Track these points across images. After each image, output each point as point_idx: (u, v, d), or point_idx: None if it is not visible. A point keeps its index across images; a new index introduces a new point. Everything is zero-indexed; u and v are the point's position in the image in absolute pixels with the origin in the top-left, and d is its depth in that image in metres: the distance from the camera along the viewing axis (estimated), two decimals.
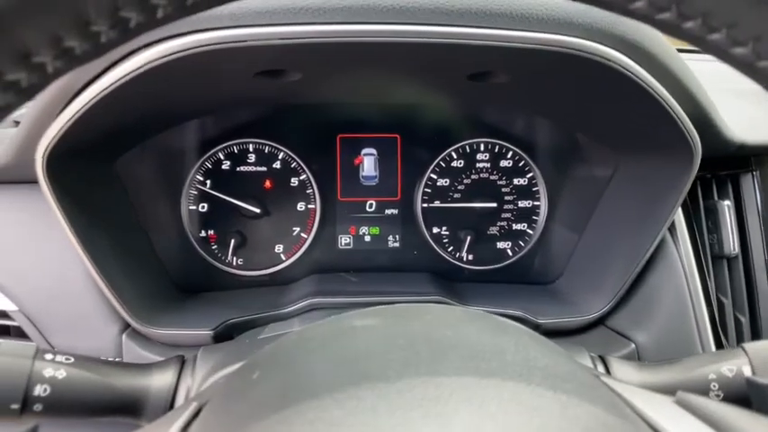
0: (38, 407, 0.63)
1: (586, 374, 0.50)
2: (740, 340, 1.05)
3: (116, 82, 0.73)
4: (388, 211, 1.33)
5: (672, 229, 1.01)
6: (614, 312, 1.05)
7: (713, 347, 0.97)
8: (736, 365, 0.71)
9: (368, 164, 1.32)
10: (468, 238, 1.31)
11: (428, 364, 0.43)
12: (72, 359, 0.67)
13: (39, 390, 0.63)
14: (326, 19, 0.68)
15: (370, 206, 1.33)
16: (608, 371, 0.77)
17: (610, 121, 1.01)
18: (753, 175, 1.08)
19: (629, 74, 0.76)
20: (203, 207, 1.26)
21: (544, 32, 0.71)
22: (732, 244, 1.05)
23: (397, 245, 1.33)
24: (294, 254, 1.29)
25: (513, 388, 0.41)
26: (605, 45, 0.74)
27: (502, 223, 1.33)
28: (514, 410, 0.38)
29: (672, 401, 0.50)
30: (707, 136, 0.88)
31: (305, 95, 1.03)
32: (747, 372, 0.70)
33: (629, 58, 0.76)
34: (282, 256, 1.29)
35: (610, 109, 0.94)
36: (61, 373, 0.65)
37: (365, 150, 1.31)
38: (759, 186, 1.07)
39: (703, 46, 0.35)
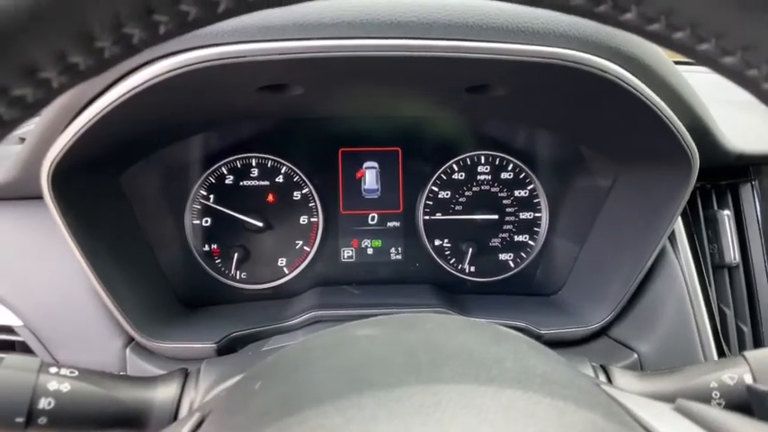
0: (42, 420, 0.63)
1: (585, 382, 0.50)
2: (742, 349, 1.05)
3: (120, 98, 0.74)
4: (390, 224, 1.34)
5: (672, 238, 1.01)
6: (616, 322, 1.05)
7: (715, 356, 0.97)
8: (737, 373, 0.71)
9: (369, 177, 1.32)
10: (470, 249, 1.32)
11: (428, 371, 0.44)
12: (76, 372, 0.67)
13: (43, 403, 0.63)
14: (326, 34, 0.69)
15: (372, 219, 1.33)
16: (609, 380, 0.77)
17: (608, 133, 1.01)
18: (752, 184, 1.08)
19: (626, 85, 0.77)
20: (207, 221, 1.27)
21: (540, 45, 0.72)
22: (732, 253, 1.05)
23: (399, 257, 1.34)
24: (297, 267, 1.30)
25: (510, 395, 0.41)
26: (601, 57, 0.75)
27: (503, 235, 1.33)
28: (512, 417, 0.39)
29: (671, 408, 0.50)
30: (705, 146, 0.89)
31: (307, 109, 1.04)
32: (748, 379, 0.70)
33: (626, 70, 0.77)
34: (285, 269, 1.30)
35: (608, 120, 0.95)
36: (65, 387, 0.65)
37: (367, 164, 1.32)
38: (758, 196, 1.08)
39: (693, 56, 0.36)
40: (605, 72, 0.75)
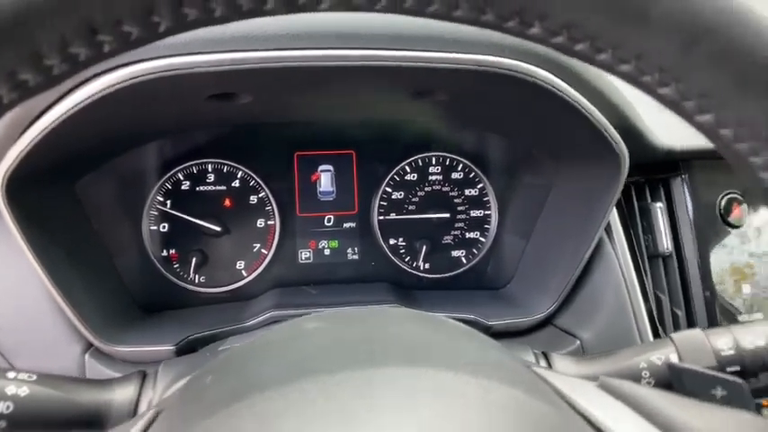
0: (1, 424, 0.64)
1: (515, 363, 0.55)
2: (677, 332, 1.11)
3: (70, 110, 0.76)
4: (346, 225, 1.37)
5: (609, 231, 1.08)
6: (560, 312, 1.11)
7: (651, 340, 1.04)
8: (664, 354, 0.76)
9: (325, 180, 1.36)
10: (424, 247, 1.36)
11: (366, 358, 0.48)
12: (34, 377, 0.69)
13: (1, 407, 0.64)
14: (271, 45, 0.72)
15: (329, 221, 1.37)
16: (550, 365, 0.82)
17: (544, 134, 1.07)
18: (682, 178, 1.16)
19: (554, 90, 0.82)
20: (164, 227, 1.29)
21: (471, 54, 0.77)
22: (666, 243, 1.12)
23: (356, 257, 1.37)
24: (255, 270, 1.32)
25: (440, 376, 0.45)
26: (530, 63, 0.80)
27: (455, 232, 1.38)
28: (439, 396, 0.43)
29: (595, 386, 0.55)
30: (634, 144, 0.95)
31: (258, 116, 1.07)
32: (674, 359, 0.76)
33: (554, 75, 0.82)
34: (244, 272, 1.32)
35: (542, 123, 1.00)
36: (24, 391, 0.66)
37: (322, 167, 1.35)
38: (688, 189, 1.15)
39: (594, 64, 0.41)
40: (533, 77, 0.80)
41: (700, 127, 0.41)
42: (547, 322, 1.12)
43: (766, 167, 0.40)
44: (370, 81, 0.83)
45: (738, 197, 1.17)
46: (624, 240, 1.07)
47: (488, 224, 1.39)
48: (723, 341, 0.74)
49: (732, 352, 0.72)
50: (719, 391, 0.63)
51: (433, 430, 0.38)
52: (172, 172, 1.28)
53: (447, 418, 0.40)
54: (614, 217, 1.08)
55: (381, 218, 1.37)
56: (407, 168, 1.36)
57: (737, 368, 0.72)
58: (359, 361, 0.47)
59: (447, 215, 1.37)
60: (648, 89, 0.41)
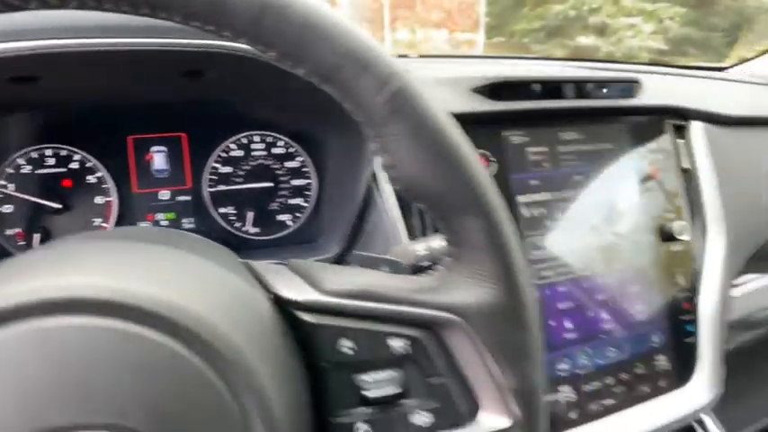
0: None
1: (228, 254, 0.77)
2: None
3: None
4: (181, 198, 1.55)
5: (377, 183, 1.34)
6: (348, 251, 1.36)
7: None
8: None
9: (158, 159, 1.54)
10: (251, 214, 1.57)
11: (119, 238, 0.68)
12: None
13: None
14: (51, 35, 0.91)
15: (164, 195, 1.55)
16: None
17: (312, 106, 1.31)
18: None
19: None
20: (8, 208, 1.42)
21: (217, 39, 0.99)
22: None
23: (191, 226, 1.56)
24: None
25: (153, 248, 0.65)
26: None
27: (280, 200, 1.60)
28: (151, 256, 0.62)
29: (285, 267, 0.78)
30: None
31: (60, 97, 1.24)
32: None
33: None
34: None
35: (304, 96, 1.23)
36: None
37: (155, 148, 1.53)
38: None
39: (223, 38, 0.62)
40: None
41: (306, 77, 0.64)
42: (340, 260, 1.37)
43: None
44: (138, 65, 1.03)
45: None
46: (391, 191, 1.34)
47: (309, 191, 1.62)
48: (420, 246, 1.00)
49: (426, 252, 0.99)
50: (385, 269, 0.88)
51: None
52: (12, 157, 1.42)
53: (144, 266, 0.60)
54: (383, 172, 1.34)
55: (212, 190, 1.56)
56: (233, 146, 1.57)
57: (429, 263, 0.98)
58: (113, 238, 0.67)
59: (271, 185, 1.58)
60: (264, 54, 0.63)
